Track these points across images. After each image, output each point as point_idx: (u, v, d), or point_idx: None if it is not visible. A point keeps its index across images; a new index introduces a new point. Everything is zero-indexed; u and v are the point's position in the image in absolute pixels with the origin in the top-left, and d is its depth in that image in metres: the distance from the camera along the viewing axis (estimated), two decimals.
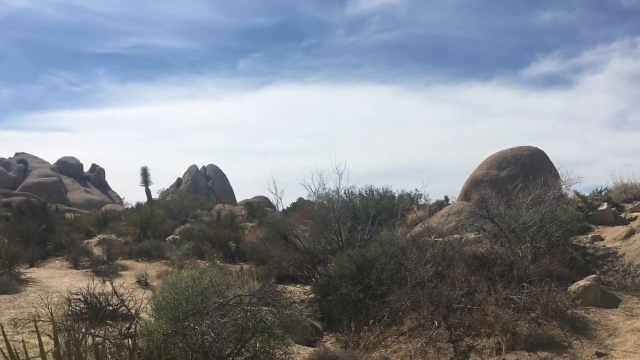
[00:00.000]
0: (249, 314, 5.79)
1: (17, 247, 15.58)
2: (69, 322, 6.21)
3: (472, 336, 9.15)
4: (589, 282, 10.52)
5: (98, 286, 8.70)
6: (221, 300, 5.74)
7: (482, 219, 13.28)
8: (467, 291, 10.12)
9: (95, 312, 7.59)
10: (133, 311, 7.57)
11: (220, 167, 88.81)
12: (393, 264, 11.39)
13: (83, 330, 5.09)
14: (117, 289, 8.13)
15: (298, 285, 14.67)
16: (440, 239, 13.02)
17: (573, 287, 10.57)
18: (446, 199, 32.83)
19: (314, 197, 13.73)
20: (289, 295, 13.35)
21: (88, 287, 8.02)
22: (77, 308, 7.75)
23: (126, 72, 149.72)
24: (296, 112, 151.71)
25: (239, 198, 75.55)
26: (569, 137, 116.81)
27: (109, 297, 8.00)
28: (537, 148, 18.34)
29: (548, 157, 17.98)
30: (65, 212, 48.95)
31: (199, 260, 18.21)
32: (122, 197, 78.84)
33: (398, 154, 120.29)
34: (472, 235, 13.22)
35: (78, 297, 7.98)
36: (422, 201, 28.39)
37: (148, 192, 30.87)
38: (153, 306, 6.23)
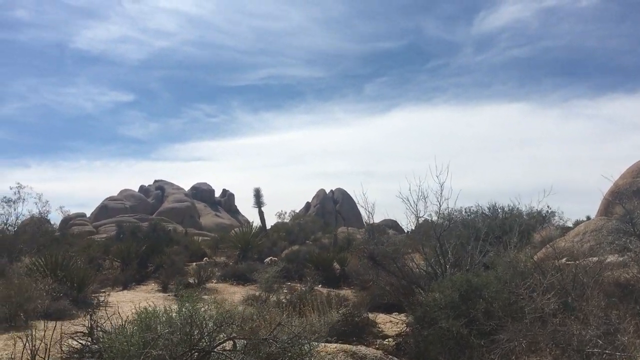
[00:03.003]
0: None
1: (117, 270, 15.18)
2: None
3: None
4: None
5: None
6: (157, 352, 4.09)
7: (626, 236, 10.51)
8: (605, 330, 7.60)
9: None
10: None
11: (348, 191, 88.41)
12: (507, 293, 9.10)
13: None
14: (99, 324, 6.76)
15: (402, 315, 12.74)
16: (571, 262, 10.49)
17: None
18: (588, 218, 28.91)
19: (412, 211, 11.64)
20: (378, 328, 11.47)
21: (90, 319, 6.73)
22: (79, 344, 6.50)
23: (258, 102, 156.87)
24: (424, 134, 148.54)
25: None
26: None
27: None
28: None
29: None
30: (194, 236, 50.84)
31: (296, 284, 16.89)
32: (251, 220, 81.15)
33: (531, 173, 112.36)
34: (614, 258, 10.51)
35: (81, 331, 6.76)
36: (556, 220, 25.11)
37: (261, 214, 30.39)
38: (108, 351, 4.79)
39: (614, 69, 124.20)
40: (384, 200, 11.96)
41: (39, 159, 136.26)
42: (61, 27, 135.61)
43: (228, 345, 4.72)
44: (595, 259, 10.31)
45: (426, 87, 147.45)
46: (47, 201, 19.33)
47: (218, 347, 4.55)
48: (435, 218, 12.10)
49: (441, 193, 11.40)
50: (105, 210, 69.28)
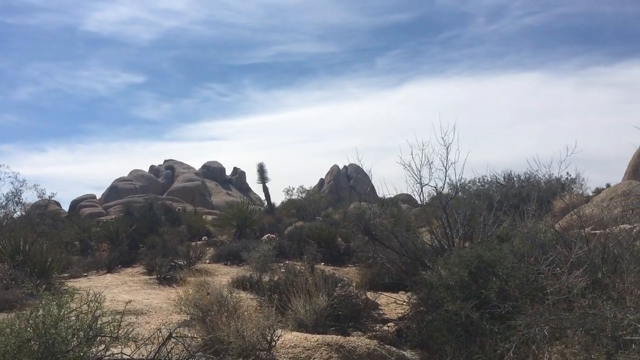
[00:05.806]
0: None
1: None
2: None
3: None
4: None
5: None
6: None
7: None
8: None
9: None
10: None
11: (363, 166, 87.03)
12: (525, 269, 7.77)
13: None
14: None
15: (408, 294, 11.45)
16: (599, 231, 9.11)
17: None
18: (608, 186, 27.30)
19: (415, 178, 10.26)
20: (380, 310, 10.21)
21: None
22: None
23: (270, 80, 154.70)
24: (438, 107, 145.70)
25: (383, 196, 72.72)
26: None
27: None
28: None
29: None
30: (203, 215, 49.95)
31: (296, 263, 15.65)
32: (262, 198, 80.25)
33: (549, 144, 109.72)
34: None
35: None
36: (576, 188, 23.61)
37: (265, 190, 29.15)
38: None
39: (631, 36, 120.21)
40: (399, 174, 10.56)
41: (55, 143, 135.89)
42: (71, 10, 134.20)
43: None
44: (627, 226, 8.92)
45: (439, 59, 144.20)
46: (25, 180, 18.07)
47: None
48: (441, 185, 10.72)
49: (447, 157, 10.02)
50: (115, 191, 68.64)
